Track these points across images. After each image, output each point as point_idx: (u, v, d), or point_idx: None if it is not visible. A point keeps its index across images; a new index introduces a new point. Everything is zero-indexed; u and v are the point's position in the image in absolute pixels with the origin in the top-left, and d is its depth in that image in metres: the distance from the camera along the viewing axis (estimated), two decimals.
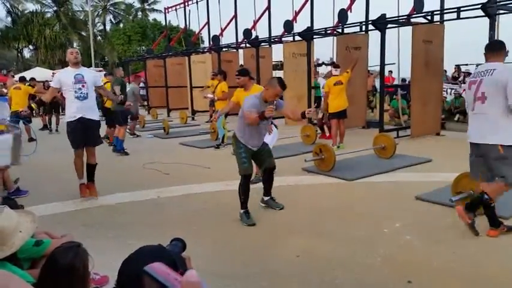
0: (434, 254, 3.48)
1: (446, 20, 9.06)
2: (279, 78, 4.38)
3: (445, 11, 8.81)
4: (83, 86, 5.05)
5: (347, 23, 10.49)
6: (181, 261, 1.52)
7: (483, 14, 6.96)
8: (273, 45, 13.71)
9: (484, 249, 3.55)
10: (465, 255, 3.45)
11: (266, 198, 4.78)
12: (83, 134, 5.11)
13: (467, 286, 2.99)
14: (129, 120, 9.73)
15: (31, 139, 9.39)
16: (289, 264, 3.39)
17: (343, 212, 4.63)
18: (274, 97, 4.26)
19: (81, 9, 39.39)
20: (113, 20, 42.91)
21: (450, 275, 3.13)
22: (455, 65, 15.60)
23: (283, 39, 12.67)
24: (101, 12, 41.59)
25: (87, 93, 5.08)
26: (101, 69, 27.24)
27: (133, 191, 5.64)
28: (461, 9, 7.89)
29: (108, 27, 42.54)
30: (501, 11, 7.32)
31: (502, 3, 7.28)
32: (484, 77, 3.65)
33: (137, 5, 42.98)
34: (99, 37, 41.07)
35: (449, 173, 5.17)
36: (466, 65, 15.07)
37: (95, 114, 5.24)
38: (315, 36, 11.06)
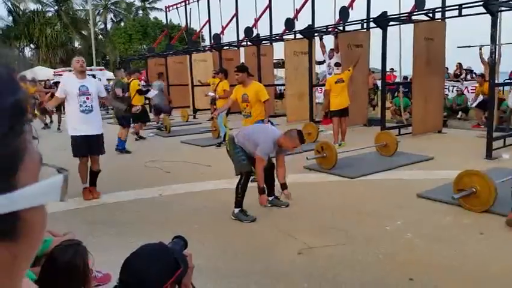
0: (436, 252, 3.47)
1: (448, 18, 9.03)
2: (299, 132, 4.35)
3: (447, 9, 8.77)
4: (88, 98, 5.06)
5: (348, 20, 10.46)
6: (183, 259, 1.52)
7: (485, 11, 6.92)
8: (274, 43, 13.68)
9: (486, 247, 3.54)
10: (466, 253, 3.45)
11: (270, 198, 4.77)
12: (87, 146, 5.14)
13: (469, 284, 2.99)
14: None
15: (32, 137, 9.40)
16: (291, 261, 3.39)
17: (344, 209, 4.62)
18: (291, 149, 4.36)
19: (81, 8, 39.40)
20: (113, 18, 42.90)
21: (452, 272, 3.13)
22: (457, 63, 15.50)
23: (284, 37, 12.65)
24: (101, 11, 41.55)
25: (91, 106, 5.09)
26: (102, 67, 27.25)
27: (135, 189, 5.65)
28: (463, 6, 7.85)
29: (109, 26, 42.55)
30: (503, 8, 7.27)
31: (504, 0, 7.23)
32: None
33: (138, 3, 42.99)
34: (100, 36, 41.06)
35: (451, 171, 5.17)
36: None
37: (99, 128, 5.24)
38: (316, 34, 11.03)
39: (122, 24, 40.93)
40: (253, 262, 3.41)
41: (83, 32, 38.46)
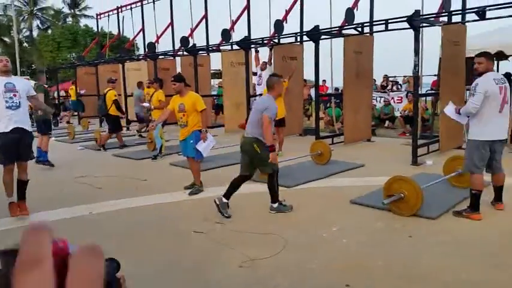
0: (370, 256, 3.60)
1: (376, 32, 9.55)
2: (274, 74, 5.29)
3: (374, 23, 9.28)
4: (15, 95, 4.70)
5: (283, 33, 10.71)
6: (116, 282, 1.42)
7: (409, 26, 7.42)
8: (211, 54, 13.65)
9: (414, 249, 3.74)
10: (398, 255, 3.61)
11: (275, 205, 4.85)
12: (16, 148, 4.74)
13: (402, 284, 3.12)
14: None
15: None
16: (232, 274, 3.34)
17: (283, 219, 4.66)
18: (283, 90, 5.36)
19: (3, 13, 36.84)
20: (40, 25, 40.60)
21: (385, 275, 3.26)
22: (384, 75, 16.54)
23: (221, 47, 12.67)
24: (26, 17, 39.17)
25: (19, 102, 4.73)
26: (27, 77, 25.58)
27: (62, 207, 5.29)
28: (389, 21, 8.35)
29: (35, 33, 40.16)
30: (425, 24, 7.85)
31: (425, 17, 7.82)
32: (505, 84, 4.40)
33: (67, 10, 41.04)
34: (25, 44, 38.64)
35: (381, 177, 5.42)
36: (394, 77, 15.99)
37: (28, 125, 4.91)
38: (252, 46, 11.17)
39: (50, 31, 38.82)
40: (192, 277, 3.32)
41: (5, 39, 35.98)
